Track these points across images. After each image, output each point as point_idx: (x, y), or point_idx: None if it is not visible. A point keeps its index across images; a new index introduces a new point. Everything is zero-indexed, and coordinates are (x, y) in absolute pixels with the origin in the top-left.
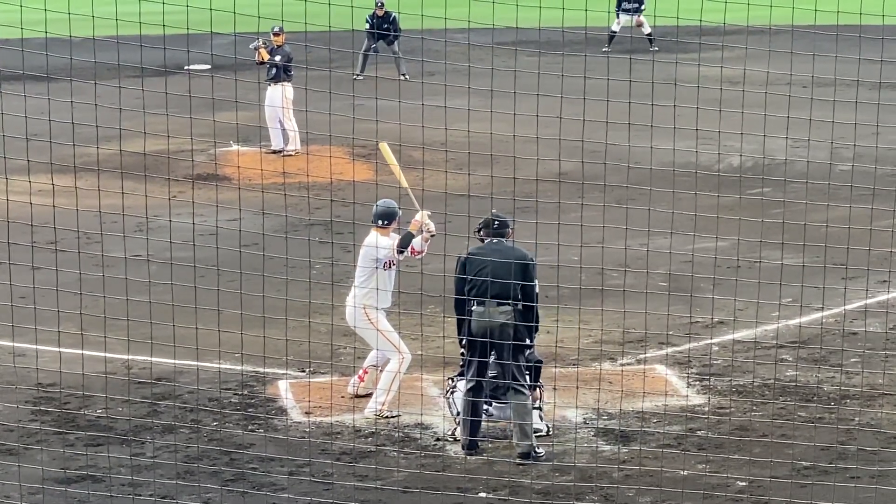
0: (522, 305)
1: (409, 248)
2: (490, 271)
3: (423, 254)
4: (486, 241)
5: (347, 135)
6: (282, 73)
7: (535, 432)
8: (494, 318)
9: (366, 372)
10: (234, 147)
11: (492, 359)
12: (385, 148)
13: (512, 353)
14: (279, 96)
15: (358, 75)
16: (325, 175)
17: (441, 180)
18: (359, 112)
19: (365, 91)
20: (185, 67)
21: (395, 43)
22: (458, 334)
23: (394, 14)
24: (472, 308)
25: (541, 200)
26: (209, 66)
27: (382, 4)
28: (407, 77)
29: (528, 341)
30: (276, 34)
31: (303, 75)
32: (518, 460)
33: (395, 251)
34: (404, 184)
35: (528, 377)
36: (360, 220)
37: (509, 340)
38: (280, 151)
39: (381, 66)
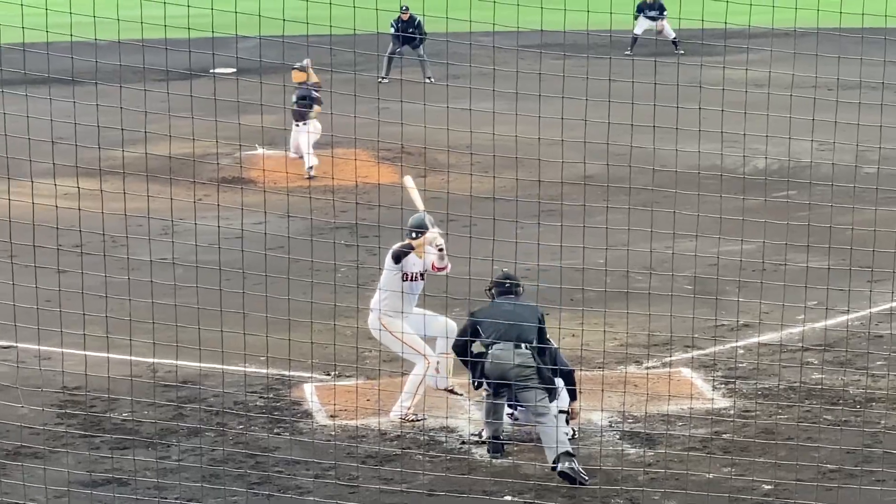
0: (538, 353)
1: (431, 265)
2: (507, 318)
3: (447, 269)
4: (496, 300)
5: (373, 137)
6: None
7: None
8: (513, 359)
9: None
10: (260, 150)
11: (508, 412)
12: (409, 183)
13: (535, 392)
14: (306, 133)
15: (383, 78)
16: (351, 178)
17: (466, 183)
18: (384, 115)
19: (390, 94)
20: (211, 71)
21: (421, 47)
22: (472, 377)
23: (418, 18)
24: (490, 351)
25: (566, 203)
26: (234, 70)
27: (407, 9)
28: (432, 80)
29: (553, 383)
30: (301, 69)
31: (328, 78)
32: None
33: (414, 267)
34: (421, 207)
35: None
36: (386, 222)
37: (528, 381)
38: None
39: (406, 69)
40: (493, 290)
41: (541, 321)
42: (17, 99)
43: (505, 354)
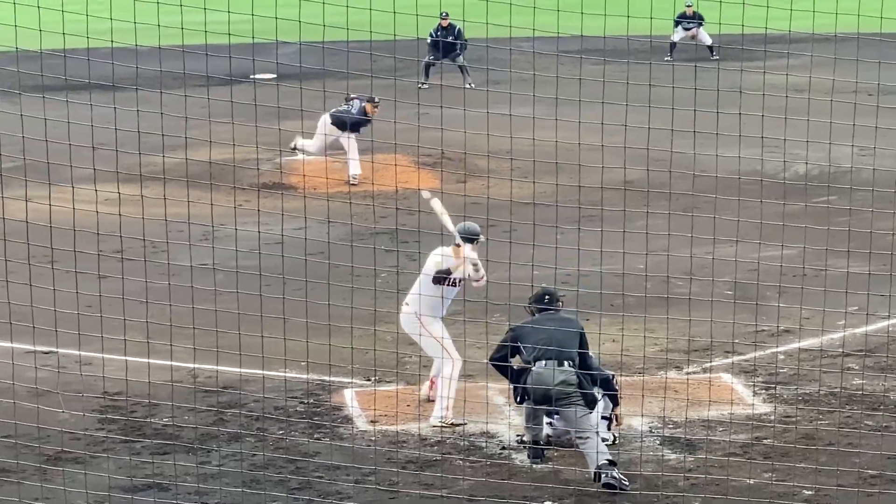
0: (581, 368)
1: (468, 275)
2: (549, 336)
3: (483, 282)
4: (537, 315)
5: (413, 143)
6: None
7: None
8: (556, 377)
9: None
10: (300, 156)
11: (547, 422)
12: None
13: (577, 408)
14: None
15: (423, 84)
16: (391, 184)
17: (506, 189)
18: (424, 121)
19: (430, 100)
20: (251, 76)
21: (461, 55)
22: (515, 394)
23: (458, 26)
24: (533, 368)
25: (606, 208)
26: (275, 76)
27: (447, 15)
28: (473, 86)
29: (595, 398)
30: (375, 105)
31: (368, 84)
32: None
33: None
34: (451, 228)
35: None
36: (425, 228)
37: (570, 398)
38: (355, 177)
39: (446, 75)
40: (533, 307)
41: (582, 335)
42: (58, 105)
43: (547, 373)
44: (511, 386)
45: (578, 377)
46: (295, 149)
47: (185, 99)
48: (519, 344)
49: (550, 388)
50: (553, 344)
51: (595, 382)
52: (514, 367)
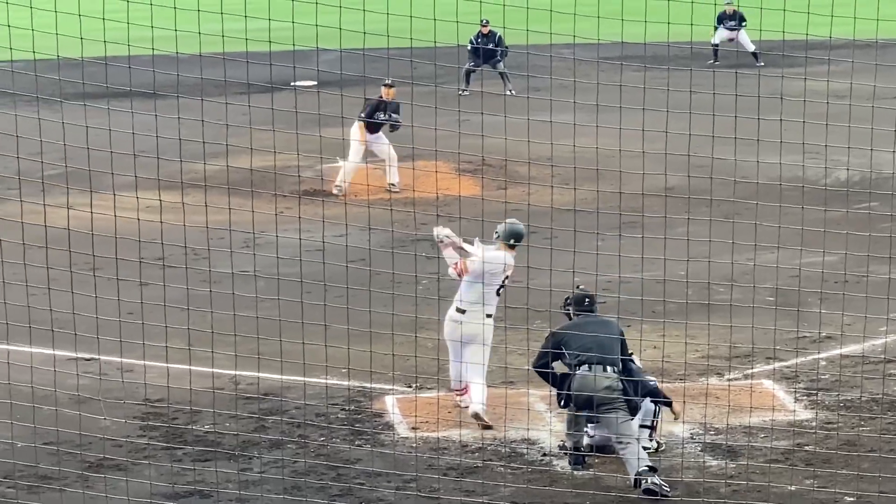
0: (624, 373)
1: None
2: (592, 341)
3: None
4: (576, 317)
5: (453, 150)
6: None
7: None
8: (600, 382)
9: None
10: (340, 163)
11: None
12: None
13: (619, 414)
14: (382, 142)
15: (463, 91)
16: (431, 190)
17: (547, 195)
18: (464, 127)
19: (470, 106)
20: (292, 84)
21: (502, 62)
22: (559, 400)
23: (498, 33)
24: (576, 373)
25: (647, 215)
26: (315, 83)
27: (487, 22)
28: (513, 92)
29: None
30: (388, 86)
31: (408, 91)
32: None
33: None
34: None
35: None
36: (466, 234)
37: (613, 404)
38: (395, 185)
39: (486, 82)
40: (570, 308)
41: (623, 340)
42: (99, 112)
43: (591, 378)
44: (554, 391)
45: (622, 383)
46: (340, 188)
47: (226, 106)
48: (562, 350)
49: (594, 393)
50: (596, 349)
51: (639, 390)
52: (557, 373)
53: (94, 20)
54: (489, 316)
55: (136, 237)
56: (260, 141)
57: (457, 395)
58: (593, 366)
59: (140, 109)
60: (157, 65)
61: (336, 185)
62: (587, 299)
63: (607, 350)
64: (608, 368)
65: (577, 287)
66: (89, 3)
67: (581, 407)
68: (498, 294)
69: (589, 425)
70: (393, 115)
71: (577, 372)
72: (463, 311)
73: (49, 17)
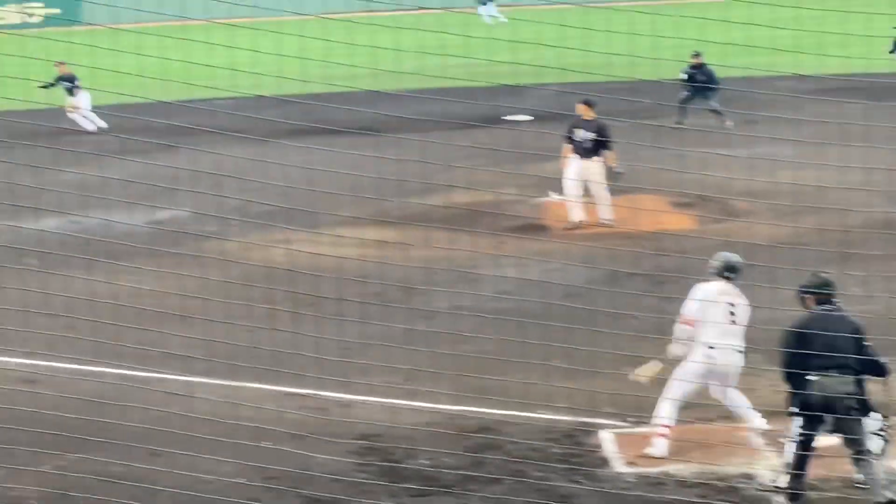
0: (863, 370)
1: None
2: (831, 342)
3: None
4: (813, 308)
5: (671, 185)
6: (596, 148)
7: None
8: (836, 388)
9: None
10: (555, 198)
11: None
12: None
13: (854, 420)
14: (592, 171)
15: (679, 124)
16: (648, 225)
17: (764, 230)
18: (679, 162)
19: (687, 141)
20: (502, 118)
21: (713, 97)
22: (792, 404)
23: (710, 67)
24: (815, 380)
25: (865, 252)
26: (532, 118)
27: (698, 54)
28: (732, 125)
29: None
30: (588, 104)
31: (625, 127)
32: None
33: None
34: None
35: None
36: (682, 271)
37: (851, 412)
38: (580, 223)
39: (702, 115)
40: (807, 298)
41: (861, 337)
42: (319, 150)
43: (831, 383)
44: (789, 392)
45: (860, 386)
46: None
47: (442, 144)
48: (800, 349)
49: (834, 401)
50: (835, 351)
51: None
52: (795, 374)
53: (314, 63)
54: (739, 352)
55: (355, 274)
56: (475, 176)
57: (659, 434)
58: (831, 370)
59: (361, 146)
60: (377, 103)
61: (603, 219)
62: (827, 286)
63: (846, 352)
64: (847, 373)
65: (818, 276)
66: (310, 42)
67: (816, 410)
68: (734, 323)
69: (824, 430)
70: (589, 133)
71: (815, 376)
72: (712, 348)
73: (271, 56)
